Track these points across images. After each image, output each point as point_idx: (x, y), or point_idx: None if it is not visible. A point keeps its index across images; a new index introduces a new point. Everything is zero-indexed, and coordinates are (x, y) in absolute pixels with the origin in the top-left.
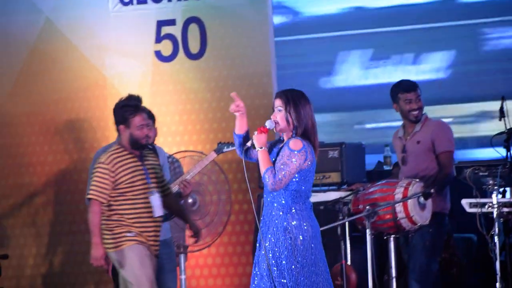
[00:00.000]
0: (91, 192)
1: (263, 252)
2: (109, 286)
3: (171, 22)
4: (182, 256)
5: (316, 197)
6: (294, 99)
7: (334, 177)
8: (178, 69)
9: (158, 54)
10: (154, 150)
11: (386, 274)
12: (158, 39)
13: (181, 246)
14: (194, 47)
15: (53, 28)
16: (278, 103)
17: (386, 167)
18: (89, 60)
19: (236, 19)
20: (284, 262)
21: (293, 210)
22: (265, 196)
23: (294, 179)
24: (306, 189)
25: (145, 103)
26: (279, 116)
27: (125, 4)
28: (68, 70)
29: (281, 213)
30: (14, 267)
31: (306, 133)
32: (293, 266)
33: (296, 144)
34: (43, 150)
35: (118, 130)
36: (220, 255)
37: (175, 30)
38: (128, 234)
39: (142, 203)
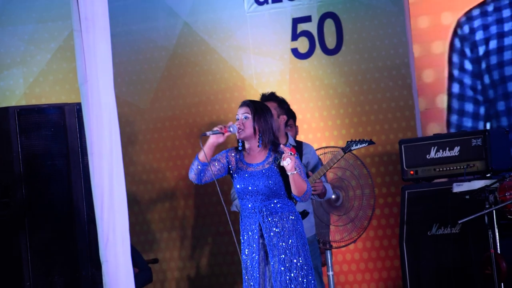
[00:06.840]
0: None
1: None
2: None
3: (307, 19)
4: (328, 252)
5: (461, 187)
6: (261, 108)
7: (479, 165)
8: (316, 65)
9: (295, 51)
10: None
11: None
12: (295, 37)
13: (327, 242)
14: (331, 43)
15: (191, 32)
16: (245, 110)
17: None
18: (227, 61)
19: (372, 11)
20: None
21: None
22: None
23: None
24: None
25: None
26: (247, 123)
27: (261, 3)
28: (207, 72)
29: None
30: (162, 271)
31: (277, 140)
32: None
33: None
34: (187, 153)
35: None
36: (366, 249)
37: (311, 27)
38: None
39: None
